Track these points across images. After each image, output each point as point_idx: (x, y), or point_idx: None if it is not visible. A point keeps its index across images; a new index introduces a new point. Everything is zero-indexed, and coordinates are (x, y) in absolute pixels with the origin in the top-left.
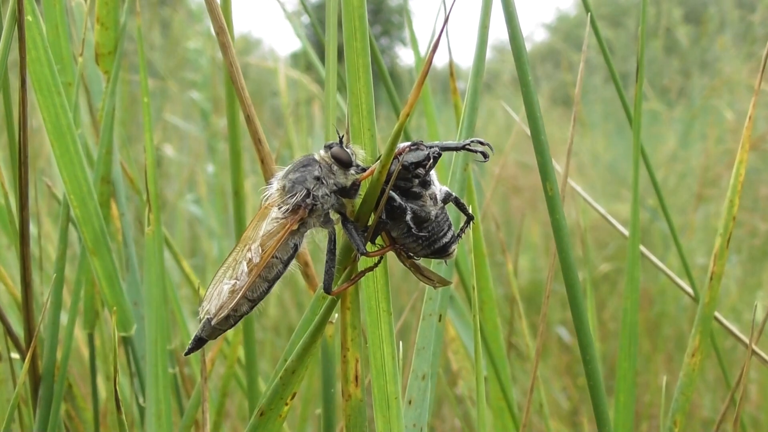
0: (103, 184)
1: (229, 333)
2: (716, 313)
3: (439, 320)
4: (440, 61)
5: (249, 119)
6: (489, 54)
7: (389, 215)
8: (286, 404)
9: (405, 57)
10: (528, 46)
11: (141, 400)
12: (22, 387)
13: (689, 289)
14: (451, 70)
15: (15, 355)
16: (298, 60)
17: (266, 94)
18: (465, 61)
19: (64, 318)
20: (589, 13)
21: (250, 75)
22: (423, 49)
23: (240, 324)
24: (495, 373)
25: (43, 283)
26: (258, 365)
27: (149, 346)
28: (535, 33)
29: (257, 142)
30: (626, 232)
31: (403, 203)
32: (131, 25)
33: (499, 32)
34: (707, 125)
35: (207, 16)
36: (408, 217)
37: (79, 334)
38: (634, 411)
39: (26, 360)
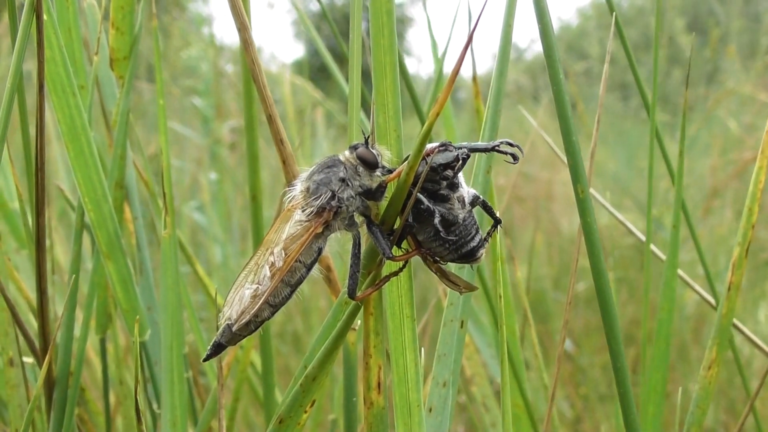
0: (117, 189)
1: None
2: (736, 322)
3: (461, 326)
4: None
5: (271, 119)
6: (489, 62)
7: (416, 218)
8: (306, 411)
9: (409, 66)
10: (529, 57)
11: (155, 407)
12: (39, 391)
13: (712, 299)
14: (474, 75)
15: (27, 359)
16: (301, 68)
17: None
18: (469, 71)
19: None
20: (614, 14)
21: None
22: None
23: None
24: (513, 379)
25: (53, 287)
26: (273, 374)
27: (164, 351)
28: (536, 43)
29: (279, 142)
30: (643, 237)
31: (431, 206)
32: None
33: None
34: (711, 136)
35: (207, 23)
36: (436, 221)
37: (90, 339)
38: (662, 422)
39: (44, 366)
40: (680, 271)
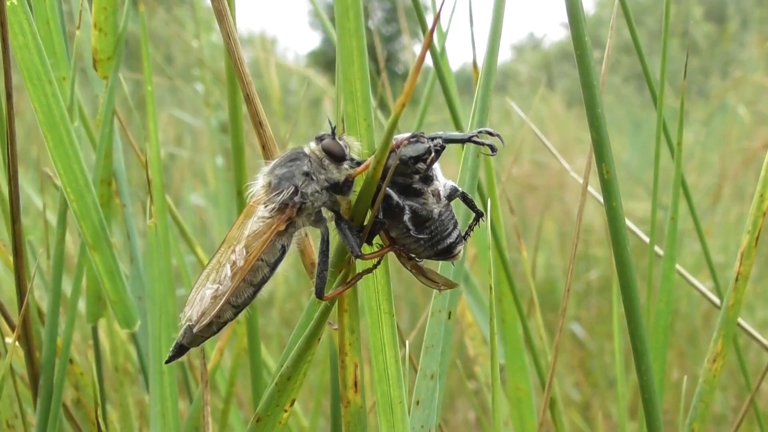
0: (102, 186)
1: (237, 323)
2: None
3: (449, 317)
4: (461, 61)
5: (248, 98)
6: (507, 53)
7: (386, 214)
8: (285, 411)
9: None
10: (546, 45)
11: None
12: (5, 373)
13: (716, 299)
14: (474, 62)
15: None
16: (317, 58)
17: (283, 93)
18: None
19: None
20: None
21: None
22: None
23: (243, 317)
24: (512, 363)
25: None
26: (261, 363)
27: (152, 342)
28: (553, 32)
29: (257, 125)
30: (645, 237)
31: (400, 201)
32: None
33: (517, 31)
34: (725, 124)
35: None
36: (406, 217)
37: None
38: (661, 410)
39: (15, 332)
40: (679, 267)
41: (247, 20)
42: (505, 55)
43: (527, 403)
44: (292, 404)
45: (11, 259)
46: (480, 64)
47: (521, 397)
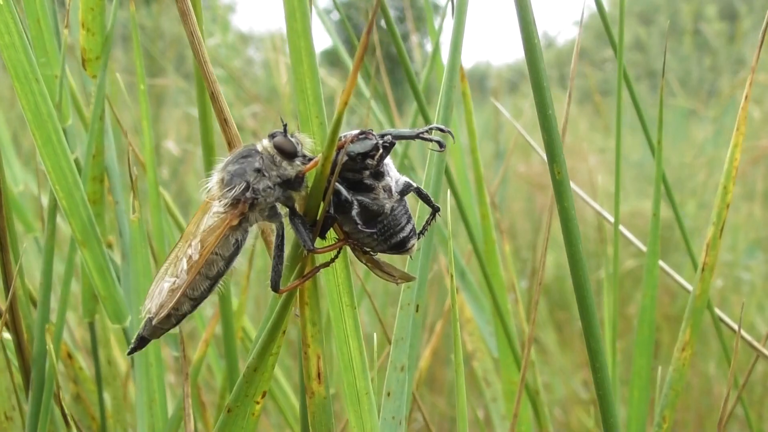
0: (94, 183)
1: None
2: (721, 314)
3: (417, 311)
4: (471, 61)
5: (213, 97)
6: (519, 51)
7: (337, 209)
8: (257, 402)
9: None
10: (559, 43)
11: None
12: None
13: (688, 285)
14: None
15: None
16: (329, 57)
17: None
18: (498, 59)
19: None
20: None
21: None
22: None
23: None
24: (507, 356)
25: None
26: (235, 355)
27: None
28: (566, 31)
29: (223, 122)
30: (632, 237)
31: (349, 197)
32: (145, 20)
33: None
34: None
35: (232, 13)
36: (354, 212)
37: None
38: (648, 407)
39: (2, 320)
40: (661, 262)
41: (258, 20)
42: (517, 53)
43: (522, 397)
44: (263, 396)
45: None
46: (491, 64)
47: (515, 391)
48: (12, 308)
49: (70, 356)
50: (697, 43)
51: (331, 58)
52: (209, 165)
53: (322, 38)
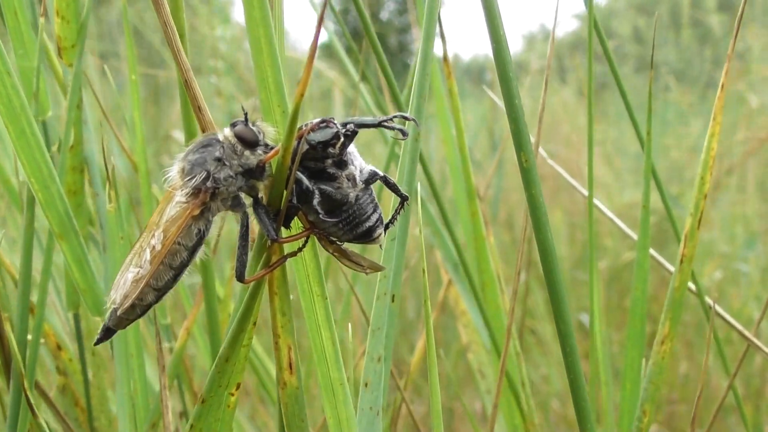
0: (74, 174)
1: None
2: (717, 306)
3: (393, 300)
4: (469, 54)
5: (187, 84)
6: (518, 43)
7: (299, 199)
8: (232, 394)
9: (437, 48)
10: (559, 34)
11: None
12: None
13: (670, 267)
14: (445, 55)
15: None
16: (329, 51)
17: (293, 85)
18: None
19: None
20: None
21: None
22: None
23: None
24: (497, 350)
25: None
26: (219, 342)
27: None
28: (565, 23)
29: (197, 109)
30: (625, 227)
31: (310, 186)
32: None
33: (528, 22)
34: (734, 114)
35: (234, 4)
36: (315, 201)
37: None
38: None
39: None
40: (653, 252)
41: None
42: (516, 45)
43: (511, 391)
44: (237, 388)
45: None
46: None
47: (505, 385)
48: None
49: (59, 347)
50: (696, 34)
51: (329, 51)
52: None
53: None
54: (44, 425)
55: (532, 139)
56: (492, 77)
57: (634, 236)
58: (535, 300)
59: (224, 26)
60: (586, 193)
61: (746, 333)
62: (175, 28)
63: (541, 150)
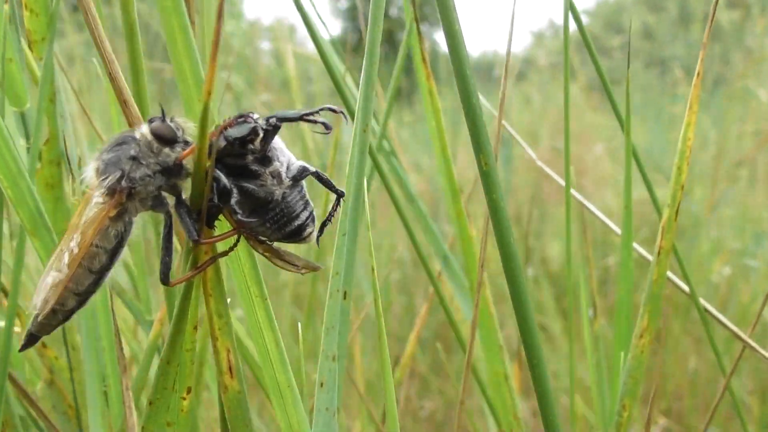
0: (51, 166)
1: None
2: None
3: (344, 298)
4: (477, 50)
5: (112, 78)
6: (527, 39)
7: (220, 198)
8: (183, 398)
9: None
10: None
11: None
12: None
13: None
14: (423, 56)
15: None
16: (338, 46)
17: (303, 81)
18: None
19: None
20: None
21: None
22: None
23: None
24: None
25: None
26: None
27: (86, 320)
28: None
29: (123, 103)
30: (613, 225)
31: (228, 184)
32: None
33: (536, 18)
34: (743, 109)
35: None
36: (232, 201)
37: None
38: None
39: None
40: (637, 246)
41: (267, 9)
42: (525, 41)
43: (505, 387)
44: (188, 392)
45: None
46: (497, 53)
47: (499, 381)
48: None
49: (44, 345)
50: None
51: (339, 47)
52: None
53: (331, 26)
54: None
55: (530, 141)
56: (501, 73)
57: (618, 230)
58: (545, 296)
59: (236, 22)
60: (572, 190)
61: (742, 334)
62: (99, 20)
63: (529, 150)
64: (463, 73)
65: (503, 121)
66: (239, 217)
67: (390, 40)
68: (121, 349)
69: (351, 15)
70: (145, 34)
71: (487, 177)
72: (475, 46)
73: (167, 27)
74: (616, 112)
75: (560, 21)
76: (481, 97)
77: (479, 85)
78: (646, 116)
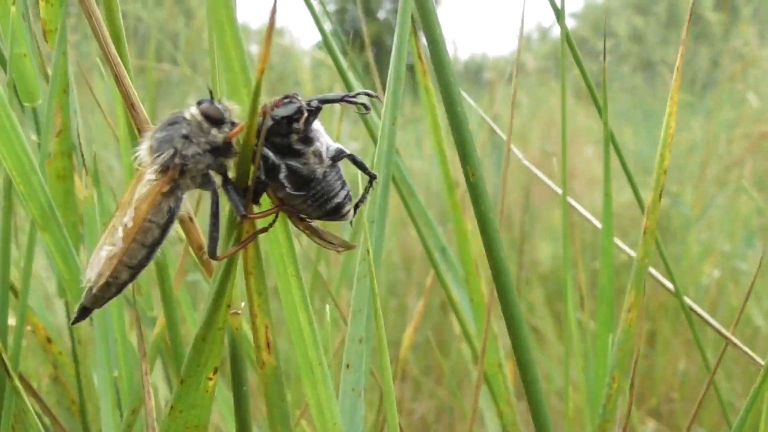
0: (63, 159)
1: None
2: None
3: (372, 282)
4: (466, 54)
5: (118, 79)
6: (514, 43)
7: (267, 174)
8: (209, 378)
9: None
10: (554, 34)
11: (115, 373)
12: None
13: (631, 252)
14: (419, 54)
15: None
16: (327, 48)
17: (290, 84)
18: (495, 51)
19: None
20: None
21: (272, 64)
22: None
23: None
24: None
25: None
26: (179, 330)
27: (97, 314)
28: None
29: (130, 107)
30: (598, 224)
31: (276, 160)
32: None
33: (524, 21)
34: (732, 111)
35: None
36: (282, 176)
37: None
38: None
39: None
40: (616, 240)
41: (256, 12)
42: (512, 44)
43: (501, 380)
44: (215, 372)
45: None
46: (486, 55)
47: (494, 373)
48: None
49: (49, 340)
50: (695, 33)
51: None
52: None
53: (315, 32)
54: (30, 407)
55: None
56: (491, 76)
57: (599, 225)
58: (536, 298)
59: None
60: (559, 190)
61: (724, 330)
62: (102, 22)
63: (516, 150)
64: (446, 80)
65: (494, 125)
66: (288, 191)
67: (378, 43)
68: (142, 334)
69: (339, 18)
70: (133, 35)
71: (474, 187)
72: (464, 50)
73: (216, 18)
74: (597, 105)
75: (547, 24)
76: (470, 100)
77: (468, 88)
78: (634, 119)
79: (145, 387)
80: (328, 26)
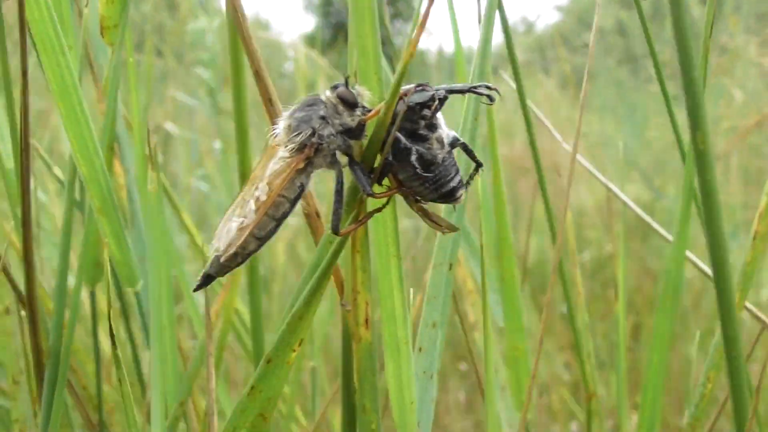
0: (108, 151)
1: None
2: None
3: (449, 269)
4: (450, 47)
5: (258, 75)
6: (498, 35)
7: (395, 156)
8: (294, 351)
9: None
10: (540, 27)
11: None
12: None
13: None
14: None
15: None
16: (311, 42)
17: (274, 77)
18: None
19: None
20: None
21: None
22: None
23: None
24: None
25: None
26: (261, 317)
27: (152, 299)
28: (546, 15)
29: (267, 102)
30: (642, 213)
31: (408, 144)
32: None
33: (509, 14)
34: (717, 106)
35: None
36: (413, 158)
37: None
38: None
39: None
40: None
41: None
42: (497, 37)
43: (524, 364)
44: (300, 344)
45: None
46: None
47: (518, 357)
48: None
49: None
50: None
51: (312, 42)
52: (244, 164)
53: (303, 21)
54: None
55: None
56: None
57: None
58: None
59: (210, 19)
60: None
61: None
62: (245, 12)
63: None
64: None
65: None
66: (417, 172)
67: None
68: (209, 316)
69: (324, 11)
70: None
71: (702, 156)
72: (449, 43)
73: (358, 6)
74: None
75: (533, 17)
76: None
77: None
78: (618, 112)
79: (208, 369)
80: (312, 19)
